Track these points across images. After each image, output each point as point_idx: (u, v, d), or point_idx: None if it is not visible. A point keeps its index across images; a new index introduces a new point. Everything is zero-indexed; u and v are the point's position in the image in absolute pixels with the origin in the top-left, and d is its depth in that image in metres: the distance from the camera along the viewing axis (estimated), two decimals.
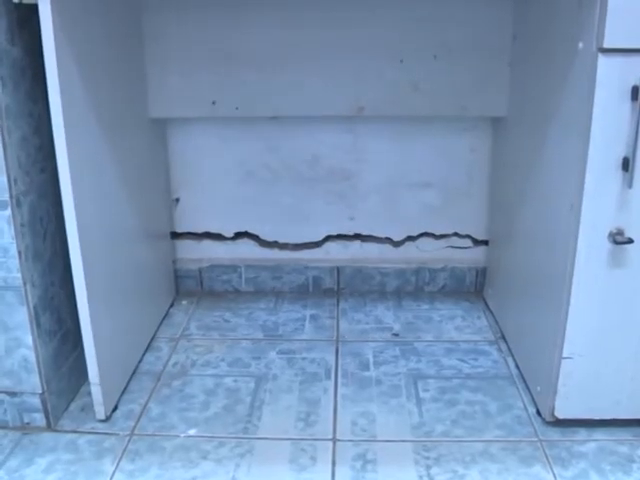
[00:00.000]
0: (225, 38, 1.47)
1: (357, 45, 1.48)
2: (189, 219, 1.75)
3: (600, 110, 1.02)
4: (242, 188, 1.71)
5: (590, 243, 1.08)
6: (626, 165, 1.04)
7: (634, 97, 1.01)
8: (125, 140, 1.37)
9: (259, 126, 1.65)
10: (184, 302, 1.73)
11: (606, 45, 0.99)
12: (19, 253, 1.11)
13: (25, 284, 1.13)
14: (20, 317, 1.14)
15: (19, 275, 1.11)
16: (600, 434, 1.19)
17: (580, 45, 1.05)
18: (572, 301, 1.11)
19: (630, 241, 1.07)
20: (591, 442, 1.18)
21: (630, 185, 1.04)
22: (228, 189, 1.71)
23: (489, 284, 1.71)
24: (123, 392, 1.33)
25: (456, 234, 1.75)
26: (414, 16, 1.45)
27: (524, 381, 1.35)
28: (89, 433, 1.22)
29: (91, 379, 1.21)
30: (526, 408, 1.28)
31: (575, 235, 1.08)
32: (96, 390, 1.22)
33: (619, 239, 1.07)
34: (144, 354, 1.48)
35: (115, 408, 1.29)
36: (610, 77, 1.01)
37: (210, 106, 1.52)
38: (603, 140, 1.03)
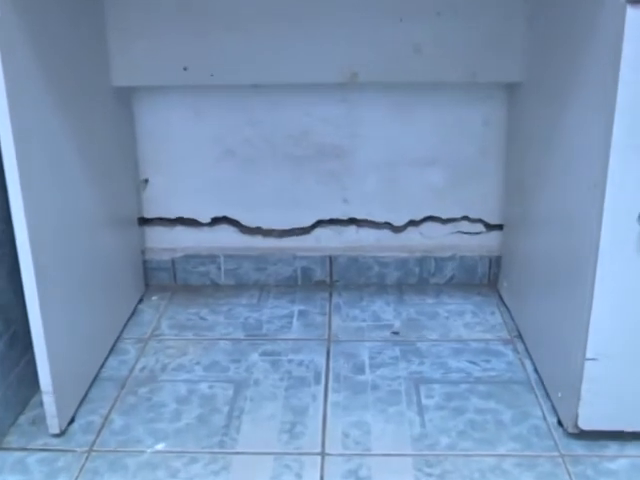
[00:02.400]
0: None
1: (349, 1, 1.46)
2: (160, 203, 1.74)
3: (628, 71, 0.99)
4: (220, 167, 1.70)
5: (616, 226, 1.07)
6: None
7: None
8: (83, 113, 1.35)
9: (239, 96, 1.64)
10: (154, 297, 1.73)
11: None
12: None
13: None
14: None
15: None
16: (632, 449, 1.18)
17: None
18: (596, 294, 1.10)
19: None
20: (622, 458, 1.17)
21: None
22: (204, 168, 1.71)
23: (504, 275, 1.70)
24: (81, 402, 1.32)
25: (466, 218, 1.74)
26: None
27: (543, 386, 1.35)
28: (40, 450, 1.20)
29: (43, 387, 1.19)
30: (545, 417, 1.27)
31: (599, 218, 1.07)
32: (49, 400, 1.20)
33: None
34: (107, 358, 1.47)
35: (72, 420, 1.27)
36: None
37: (181, 73, 1.51)
38: (631, 107, 1.01)
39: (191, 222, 1.76)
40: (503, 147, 1.66)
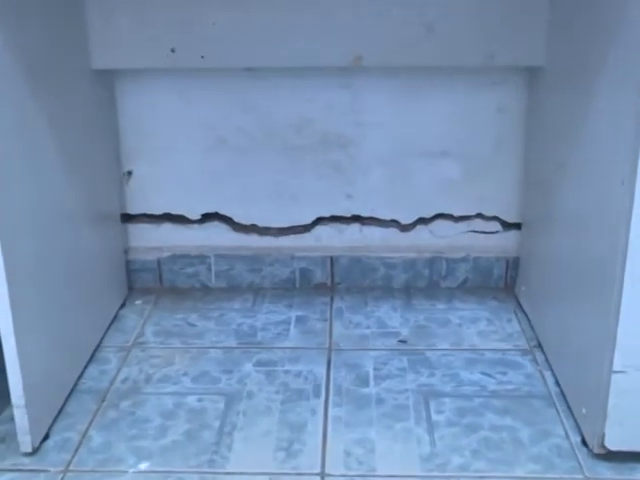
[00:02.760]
0: None
1: None
2: (145, 197, 1.74)
3: None
4: (211, 158, 1.70)
5: None
6: None
7: None
8: (60, 98, 1.34)
9: (232, 80, 1.64)
10: (138, 301, 1.73)
11: None
12: None
13: None
14: None
15: None
16: None
17: None
18: (624, 299, 1.09)
19: None
20: None
21: None
22: (194, 160, 1.70)
23: (522, 278, 1.70)
24: (57, 416, 1.31)
25: (480, 215, 1.74)
26: None
27: (566, 402, 1.34)
28: (10, 470, 1.19)
29: (14, 400, 1.18)
30: (568, 436, 1.26)
31: (628, 216, 1.05)
32: (21, 414, 1.19)
33: None
34: (86, 367, 1.46)
35: (46, 437, 1.26)
36: None
37: (169, 54, 1.51)
38: None
39: (179, 219, 1.75)
40: (521, 137, 1.66)
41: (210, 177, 1.71)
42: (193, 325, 1.62)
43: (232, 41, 1.49)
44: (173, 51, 1.50)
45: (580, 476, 1.16)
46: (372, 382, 1.41)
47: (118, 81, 1.64)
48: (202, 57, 1.50)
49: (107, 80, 1.61)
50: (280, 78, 1.63)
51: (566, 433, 1.26)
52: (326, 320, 1.64)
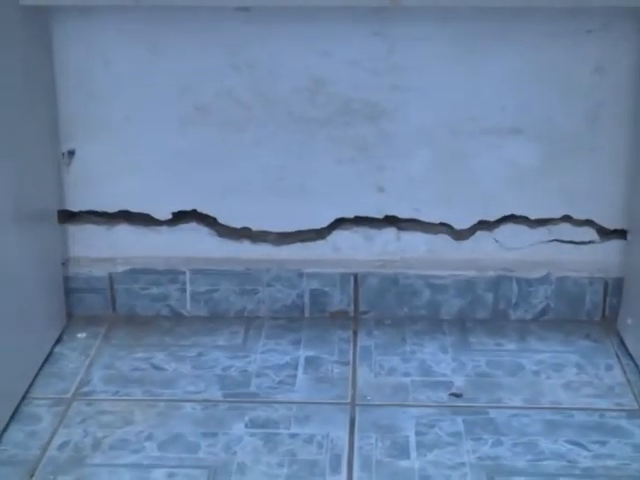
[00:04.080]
0: None
1: None
2: (92, 188, 1.75)
3: None
4: (188, 134, 1.72)
5: None
6: None
7: None
8: None
9: (219, 25, 1.65)
10: (81, 334, 1.74)
11: None
12: None
13: None
14: None
15: None
16: None
17: None
18: None
19: None
20: None
21: None
22: (163, 136, 1.72)
23: (628, 308, 1.70)
24: None
25: (568, 219, 1.75)
26: None
27: None
28: None
29: None
30: None
31: None
32: None
33: None
34: (6, 428, 1.46)
35: None
36: None
37: None
38: None
39: (141, 218, 1.77)
40: (628, 108, 1.66)
41: (186, 161, 1.72)
42: (160, 368, 1.63)
43: None
44: None
45: None
46: (414, 452, 1.41)
47: (58, 23, 1.65)
48: None
49: (42, 21, 1.62)
50: (286, 22, 1.63)
51: None
52: (347, 363, 1.65)
